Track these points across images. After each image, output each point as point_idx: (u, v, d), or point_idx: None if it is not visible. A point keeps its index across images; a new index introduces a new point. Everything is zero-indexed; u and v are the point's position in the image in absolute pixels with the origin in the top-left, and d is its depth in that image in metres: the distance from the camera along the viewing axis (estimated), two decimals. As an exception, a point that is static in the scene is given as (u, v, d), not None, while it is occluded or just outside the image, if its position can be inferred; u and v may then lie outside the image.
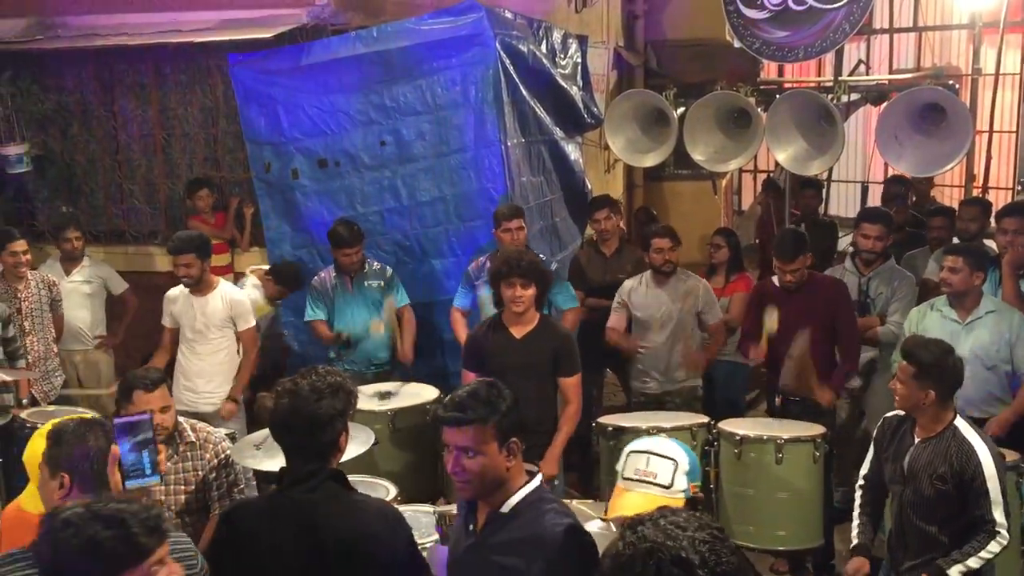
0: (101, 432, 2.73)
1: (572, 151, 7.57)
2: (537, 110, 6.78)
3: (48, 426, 2.91)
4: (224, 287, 5.59)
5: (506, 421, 2.62)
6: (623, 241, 6.76)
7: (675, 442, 2.69)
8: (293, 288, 6.22)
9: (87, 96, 7.16)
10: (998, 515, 3.51)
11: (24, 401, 5.51)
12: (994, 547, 3.51)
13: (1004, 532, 3.52)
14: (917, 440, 3.72)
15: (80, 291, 6.41)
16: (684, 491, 2.61)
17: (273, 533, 2.69)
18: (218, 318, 5.48)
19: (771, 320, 5.18)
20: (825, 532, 4.90)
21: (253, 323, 5.60)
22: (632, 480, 2.64)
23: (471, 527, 2.72)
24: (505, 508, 2.64)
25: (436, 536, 3.72)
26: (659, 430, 4.88)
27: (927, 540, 3.67)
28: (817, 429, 4.85)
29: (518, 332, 4.64)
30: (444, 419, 2.63)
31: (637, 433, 4.86)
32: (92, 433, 2.71)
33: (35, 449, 2.87)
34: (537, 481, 2.71)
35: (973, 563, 3.51)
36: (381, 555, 2.69)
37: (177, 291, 5.58)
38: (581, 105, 7.54)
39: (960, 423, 3.68)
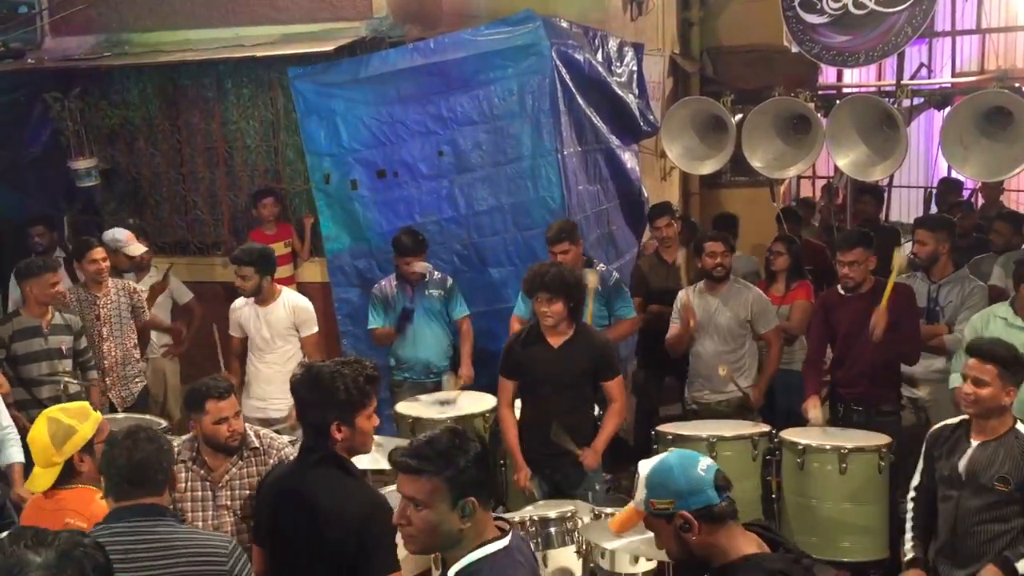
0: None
1: (628, 159, 7.56)
2: (593, 119, 6.79)
3: (50, 412, 3.30)
4: (287, 295, 5.65)
5: (463, 477, 2.35)
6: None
7: (666, 455, 2.53)
8: None
9: (152, 111, 7.30)
10: None
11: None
12: None
13: None
14: (975, 443, 3.70)
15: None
16: (643, 503, 2.46)
17: (276, 497, 3.13)
18: (282, 327, 5.55)
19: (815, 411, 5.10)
20: (891, 544, 4.81)
21: (316, 329, 5.66)
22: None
23: None
24: (450, 573, 2.37)
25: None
26: (720, 439, 4.86)
27: (984, 544, 3.66)
28: (882, 439, 4.77)
29: (555, 342, 4.66)
30: (395, 464, 2.42)
31: (698, 441, 4.85)
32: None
33: (37, 433, 3.25)
34: (500, 545, 2.39)
35: None
36: (351, 534, 2.89)
37: (242, 301, 5.66)
38: (637, 113, 7.53)
39: (1021, 426, 3.70)
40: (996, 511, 3.65)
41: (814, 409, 5.12)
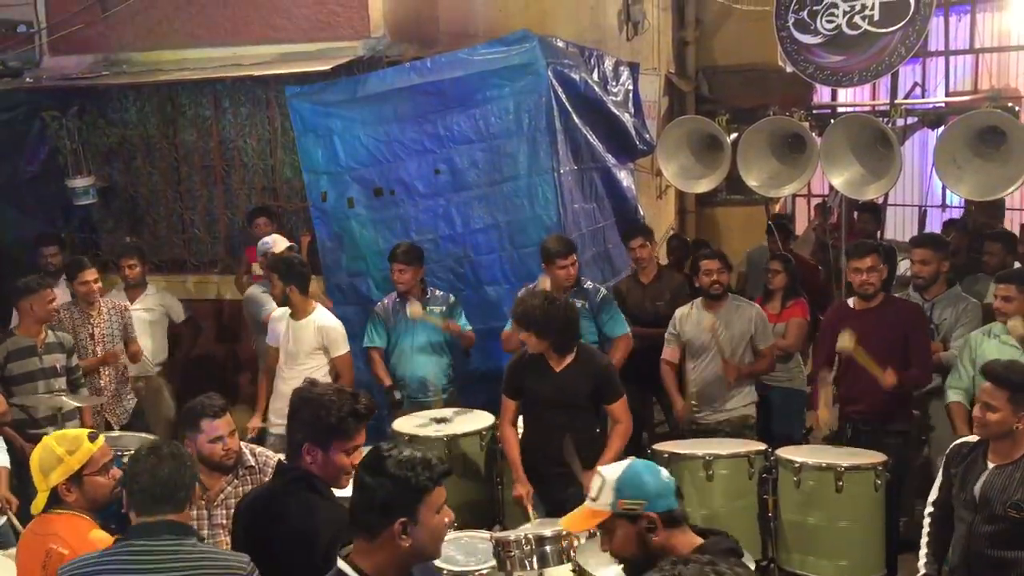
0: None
1: (624, 178, 7.59)
2: (589, 137, 6.81)
3: (48, 438, 3.30)
4: (318, 314, 5.59)
5: None
6: (661, 268, 6.75)
7: (631, 462, 2.77)
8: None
9: (150, 129, 7.33)
10: None
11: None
12: None
13: None
14: (991, 466, 3.64)
15: (143, 319, 6.51)
16: (610, 504, 2.67)
17: (248, 515, 3.17)
18: (308, 345, 5.52)
19: (844, 339, 5.01)
20: (889, 562, 4.80)
21: (346, 349, 5.60)
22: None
23: None
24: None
25: (493, 563, 3.74)
26: (716, 457, 4.86)
27: (996, 568, 3.58)
28: (878, 456, 4.76)
29: (556, 364, 4.67)
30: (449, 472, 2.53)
31: (695, 459, 4.85)
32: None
33: (33, 457, 3.30)
34: None
35: None
36: (318, 552, 2.87)
37: (281, 312, 5.68)
38: (633, 132, 7.56)
39: None
40: (1009, 538, 3.56)
41: (823, 411, 5.10)
